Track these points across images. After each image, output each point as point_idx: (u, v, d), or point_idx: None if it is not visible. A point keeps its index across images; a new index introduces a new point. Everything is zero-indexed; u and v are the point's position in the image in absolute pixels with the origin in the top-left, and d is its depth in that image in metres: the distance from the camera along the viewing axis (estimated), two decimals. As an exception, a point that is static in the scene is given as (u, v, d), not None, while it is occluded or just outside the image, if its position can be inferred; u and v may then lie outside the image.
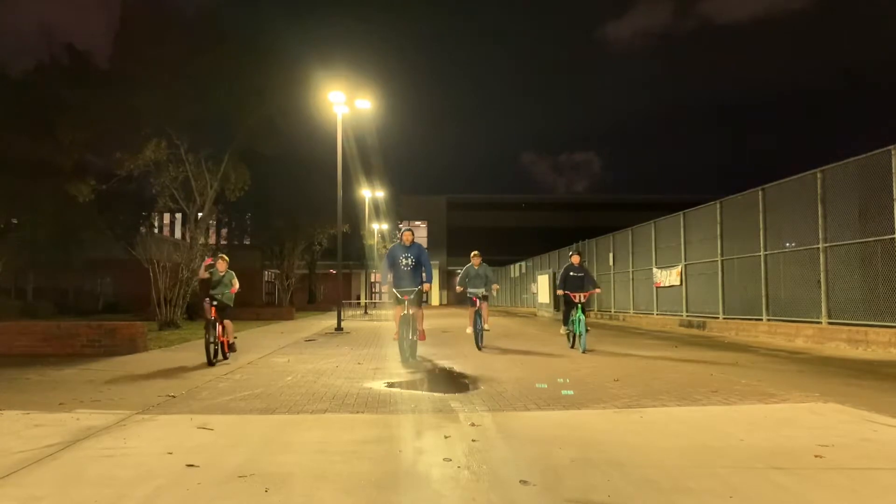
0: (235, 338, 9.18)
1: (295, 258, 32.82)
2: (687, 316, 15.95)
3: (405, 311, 8.58)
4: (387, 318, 21.41)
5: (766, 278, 12.70)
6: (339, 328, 16.12)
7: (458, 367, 7.87)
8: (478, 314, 10.35)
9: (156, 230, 29.63)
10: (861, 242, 10.14)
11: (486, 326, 10.33)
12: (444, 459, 3.48)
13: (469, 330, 10.62)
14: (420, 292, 8.72)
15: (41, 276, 28.61)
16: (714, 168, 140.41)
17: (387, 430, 4.29)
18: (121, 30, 17.96)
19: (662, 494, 2.88)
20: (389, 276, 8.88)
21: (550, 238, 35.92)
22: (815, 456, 3.49)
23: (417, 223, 52.18)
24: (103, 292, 33.40)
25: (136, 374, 7.34)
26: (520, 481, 3.08)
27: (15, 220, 22.32)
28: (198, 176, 17.88)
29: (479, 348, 10.13)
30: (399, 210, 43.83)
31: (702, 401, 5.34)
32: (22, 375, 7.27)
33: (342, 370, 7.69)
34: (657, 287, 17.81)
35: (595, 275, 17.30)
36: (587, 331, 9.75)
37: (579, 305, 9.77)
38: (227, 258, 8.84)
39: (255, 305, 31.28)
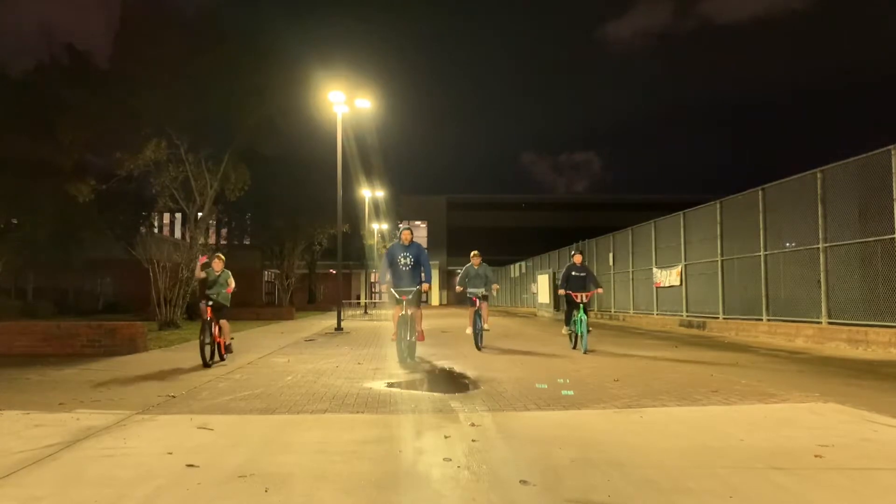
0: (232, 338, 9.02)
1: (295, 258, 32.82)
2: (687, 316, 15.95)
3: (403, 312, 8.51)
4: (387, 318, 21.40)
5: (766, 278, 12.70)
6: (339, 328, 16.13)
7: (457, 368, 7.86)
8: (477, 314, 10.33)
9: (156, 230, 29.64)
10: (861, 242, 10.14)
11: (485, 326, 10.30)
12: (444, 459, 3.48)
13: (469, 331, 10.58)
14: (419, 292, 8.65)
15: (41, 276, 28.60)
16: (714, 168, 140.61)
17: (387, 430, 4.29)
18: (121, 30, 17.95)
19: (662, 495, 2.88)
20: (388, 276, 8.78)
21: (550, 238, 35.94)
22: (815, 456, 3.49)
23: (417, 223, 52.21)
24: (103, 292, 33.40)
25: (136, 374, 7.34)
26: (520, 481, 3.08)
27: (15, 220, 22.31)
28: (198, 176, 17.88)
29: (479, 348, 10.12)
30: (399, 210, 43.89)
31: (702, 401, 5.34)
32: (22, 375, 7.26)
33: (342, 370, 7.69)
34: (657, 287, 17.81)
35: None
36: (589, 331, 9.68)
37: (581, 305, 9.68)
38: (223, 257, 8.66)
39: (255, 305, 31.28)
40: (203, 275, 8.38)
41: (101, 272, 32.15)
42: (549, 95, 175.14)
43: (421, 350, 9.29)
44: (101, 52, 52.45)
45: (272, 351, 10.37)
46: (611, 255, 21.70)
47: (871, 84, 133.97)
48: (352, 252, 33.75)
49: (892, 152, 9.40)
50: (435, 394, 5.90)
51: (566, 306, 10.36)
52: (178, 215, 33.83)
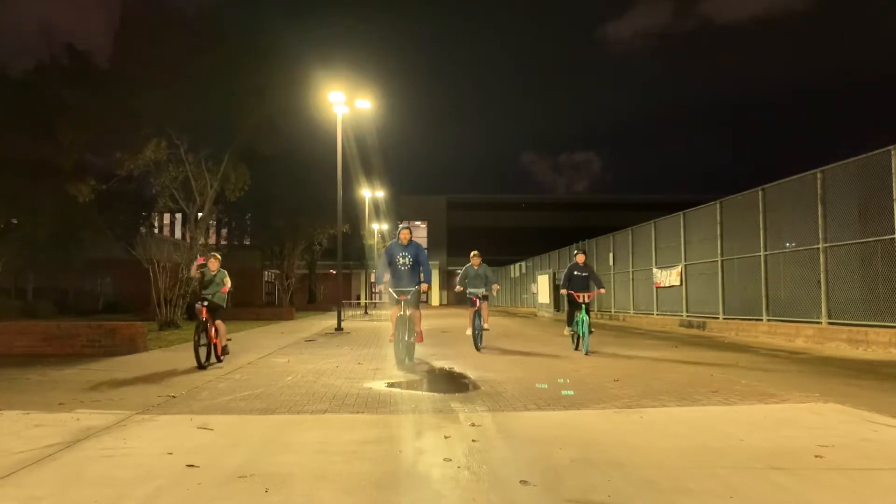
0: (229, 339, 8.85)
1: (295, 258, 32.82)
2: (687, 316, 15.95)
3: (402, 312, 8.40)
4: (387, 319, 21.37)
5: (766, 278, 12.70)
6: (339, 328, 16.14)
7: (458, 368, 7.86)
8: (477, 314, 10.30)
9: (156, 230, 29.63)
10: (861, 242, 10.14)
11: (485, 326, 10.27)
12: (444, 459, 3.48)
13: (469, 332, 10.53)
14: (417, 292, 8.56)
15: (41, 276, 28.60)
16: (714, 168, 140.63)
17: (387, 430, 4.29)
18: (121, 30, 17.97)
19: (662, 495, 2.88)
20: (386, 276, 8.68)
21: (550, 238, 35.95)
22: (815, 456, 3.49)
23: (417, 223, 52.22)
24: (103, 292, 33.39)
25: (136, 375, 7.33)
26: (520, 481, 3.08)
27: (15, 220, 22.33)
28: (198, 176, 17.89)
29: (479, 349, 10.10)
30: (399, 210, 43.90)
31: (702, 401, 5.33)
32: (22, 375, 7.26)
33: (342, 370, 7.68)
34: (657, 287, 17.81)
35: (595, 275, 17.29)
36: (591, 332, 9.53)
37: (583, 306, 9.52)
38: (219, 257, 8.53)
39: (255, 305, 31.30)
40: (198, 274, 8.32)
41: (101, 272, 32.14)
42: (549, 95, 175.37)
43: (421, 350, 9.28)
44: (101, 52, 52.51)
45: (272, 351, 10.37)
46: (611, 255, 21.70)
47: (871, 84, 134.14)
48: (352, 252, 33.77)
49: (892, 152, 9.40)
50: (435, 394, 5.90)
51: (568, 307, 10.15)
52: (178, 215, 33.82)
